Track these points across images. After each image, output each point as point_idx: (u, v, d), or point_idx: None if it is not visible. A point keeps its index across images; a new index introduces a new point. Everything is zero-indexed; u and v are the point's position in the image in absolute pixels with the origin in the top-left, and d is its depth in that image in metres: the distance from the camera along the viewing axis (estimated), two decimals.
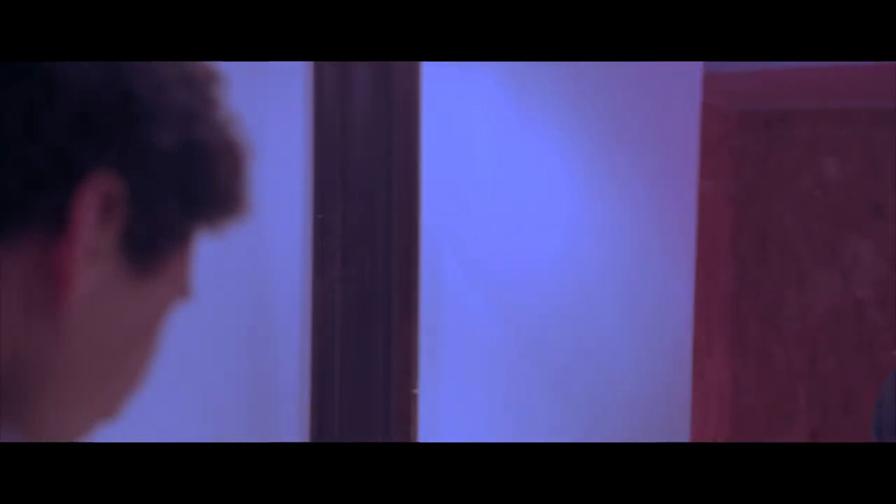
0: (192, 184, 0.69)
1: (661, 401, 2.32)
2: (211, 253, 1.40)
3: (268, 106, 1.76)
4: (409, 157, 1.78)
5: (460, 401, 2.03)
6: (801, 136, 3.38)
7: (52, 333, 0.67)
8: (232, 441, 1.76)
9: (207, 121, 0.70)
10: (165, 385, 1.60)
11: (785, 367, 3.41)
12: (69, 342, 0.67)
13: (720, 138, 3.03)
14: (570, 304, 2.21)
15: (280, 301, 1.79)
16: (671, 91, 2.43)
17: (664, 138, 2.37)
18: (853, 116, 3.40)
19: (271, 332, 1.80)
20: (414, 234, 1.78)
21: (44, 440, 0.67)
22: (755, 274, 3.41)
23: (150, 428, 1.60)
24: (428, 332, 1.99)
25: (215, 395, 1.76)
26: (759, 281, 3.42)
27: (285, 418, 1.78)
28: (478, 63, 1.99)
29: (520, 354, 2.14)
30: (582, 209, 2.25)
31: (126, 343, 0.71)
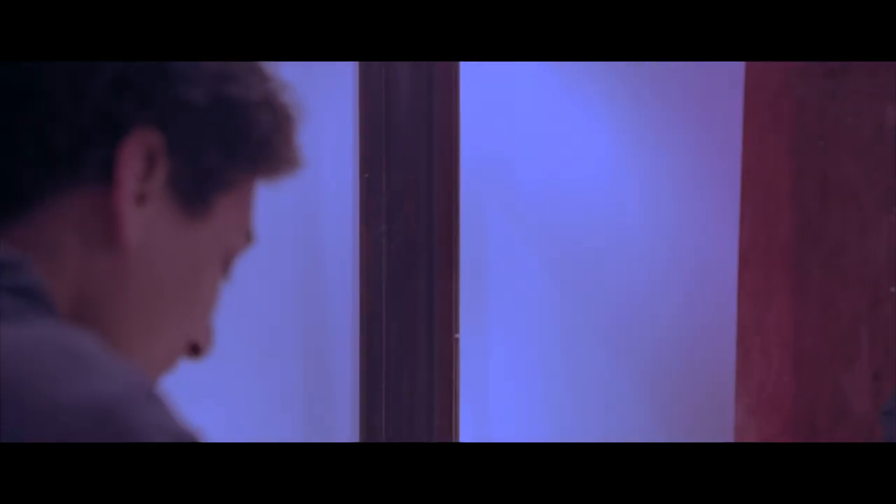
0: (230, 135, 0.77)
1: (704, 344, 2.45)
2: (271, 209, 1.59)
3: (321, 81, 1.94)
4: (449, 125, 1.93)
5: (503, 345, 2.19)
6: (861, 86, 3.44)
7: (116, 269, 0.74)
8: (288, 377, 1.95)
9: (241, 80, 0.77)
10: (227, 327, 1.79)
11: (847, 311, 3.49)
12: (132, 277, 0.75)
13: (780, 90, 3.11)
14: (614, 251, 2.35)
15: (333, 253, 1.97)
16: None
17: (708, 86, 2.47)
18: None
19: (325, 281, 1.98)
20: (454, 192, 1.94)
21: (138, 366, 0.73)
22: (817, 223, 3.48)
23: (212, 368, 1.80)
24: (473, 282, 2.15)
25: (274, 336, 1.95)
26: (820, 229, 3.49)
27: (339, 359, 1.97)
28: None
29: (563, 301, 2.29)
30: (624, 159, 2.38)
31: (188, 278, 0.79)
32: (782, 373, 3.33)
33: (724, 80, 2.47)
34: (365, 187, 1.91)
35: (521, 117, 2.22)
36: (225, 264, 0.82)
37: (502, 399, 2.21)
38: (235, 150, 0.78)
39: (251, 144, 0.78)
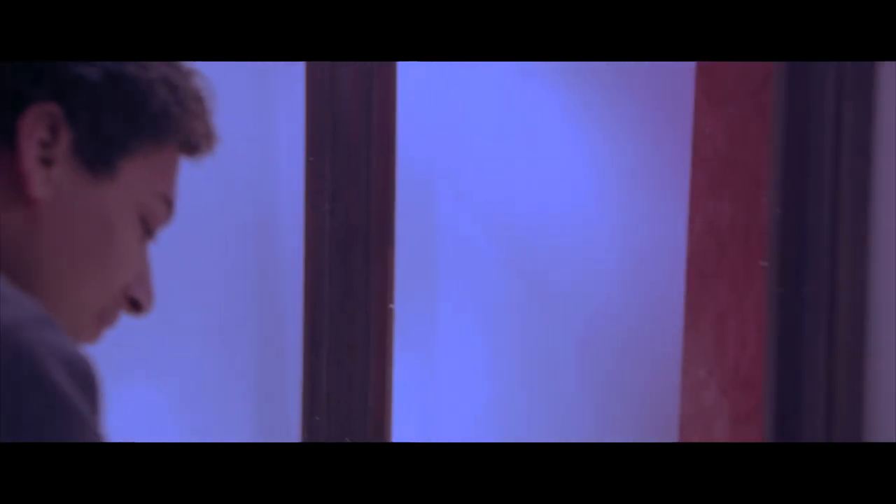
0: (128, 108, 0.87)
1: (652, 324, 2.62)
2: (228, 189, 1.82)
3: (278, 76, 2.17)
4: (386, 115, 2.14)
5: (441, 317, 2.40)
6: None
7: (29, 221, 0.84)
8: (241, 343, 2.18)
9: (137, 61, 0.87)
10: (180, 298, 2.03)
11: None
12: (45, 229, 0.84)
13: (764, 79, 3.25)
14: (563, 229, 2.53)
15: (283, 230, 2.19)
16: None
17: (661, 74, 2.59)
18: None
19: (276, 256, 2.21)
20: (390, 175, 2.15)
21: (61, 317, 0.82)
22: None
23: (167, 338, 2.03)
24: (420, 258, 2.36)
25: (229, 303, 2.18)
26: None
27: (290, 321, 2.19)
28: None
29: (510, 276, 2.49)
30: (576, 139, 2.55)
31: (99, 233, 0.88)
32: (757, 356, 3.47)
33: (677, 69, 2.58)
34: (310, 170, 2.13)
35: (463, 106, 2.41)
36: (144, 226, 0.92)
37: (447, 363, 2.41)
38: (135, 120, 0.88)
39: (149, 116, 0.88)
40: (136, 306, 0.93)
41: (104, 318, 0.93)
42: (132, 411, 2.03)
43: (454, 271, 2.41)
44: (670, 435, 2.52)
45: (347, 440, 2.13)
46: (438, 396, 2.40)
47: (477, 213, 2.44)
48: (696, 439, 2.60)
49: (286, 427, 2.18)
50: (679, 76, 2.57)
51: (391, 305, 2.14)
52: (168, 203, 0.93)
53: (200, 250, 2.12)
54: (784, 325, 1.82)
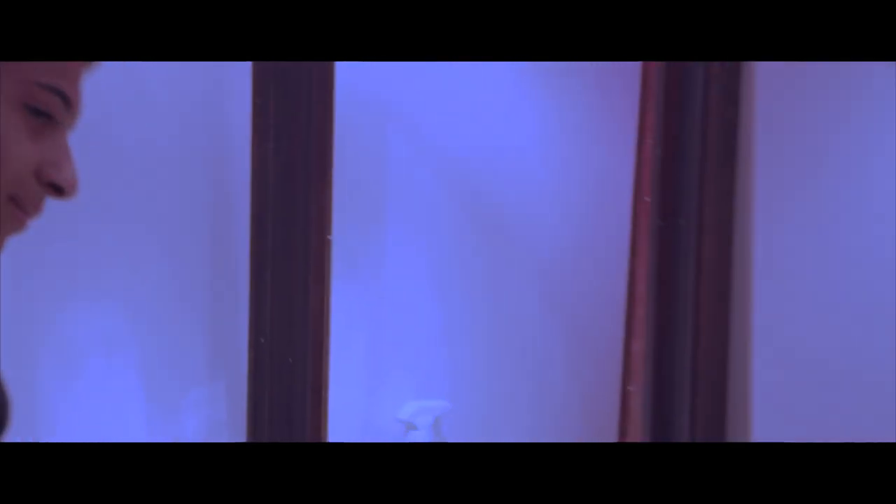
0: None
1: (593, 254, 2.75)
2: (179, 128, 1.97)
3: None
4: (326, 67, 2.30)
5: (390, 249, 2.56)
6: None
7: None
8: (192, 263, 2.37)
9: None
10: (137, 229, 2.22)
11: None
12: None
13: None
14: (509, 167, 2.67)
15: (232, 167, 2.37)
16: None
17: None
18: None
19: (225, 191, 2.39)
20: (329, 116, 2.31)
21: None
22: None
23: (125, 269, 2.22)
24: (370, 197, 2.53)
25: (184, 233, 2.37)
26: None
27: (239, 251, 2.37)
28: None
29: (457, 212, 2.64)
30: (522, 94, 2.69)
31: None
32: None
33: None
34: (256, 111, 2.30)
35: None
36: (36, 113, 0.92)
37: (395, 293, 2.58)
38: None
39: None
40: (57, 190, 0.94)
41: (20, 205, 0.94)
42: (90, 333, 2.23)
43: (403, 209, 2.57)
44: (615, 345, 2.64)
45: (290, 361, 2.31)
46: (384, 322, 2.56)
47: (427, 156, 2.60)
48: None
49: (235, 349, 2.37)
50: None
51: (329, 237, 2.31)
52: (55, 92, 0.93)
53: (158, 183, 2.30)
54: (662, 250, 1.96)
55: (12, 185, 0.91)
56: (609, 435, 2.75)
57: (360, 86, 2.45)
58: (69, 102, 0.94)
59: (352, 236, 2.44)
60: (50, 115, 0.93)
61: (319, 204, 2.31)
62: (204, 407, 2.37)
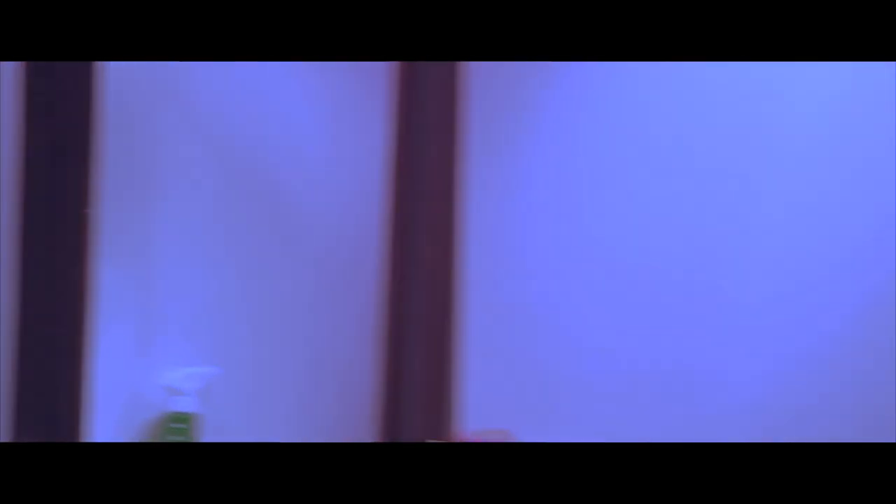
0: None
1: (353, 229, 2.86)
2: None
3: None
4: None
5: (159, 227, 2.64)
6: None
7: None
8: None
9: None
10: None
11: None
12: None
13: None
14: (278, 150, 2.76)
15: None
16: None
17: None
18: None
19: None
20: (93, 94, 2.38)
21: None
22: None
23: None
24: (141, 174, 2.60)
25: None
26: None
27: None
28: None
29: (228, 191, 2.73)
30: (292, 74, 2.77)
31: None
32: None
33: None
34: (27, 89, 2.36)
35: None
36: None
37: (164, 269, 2.66)
38: None
39: None
40: None
41: None
42: None
43: (173, 186, 2.65)
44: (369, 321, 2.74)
45: (53, 333, 2.38)
46: (152, 297, 2.64)
47: (198, 134, 2.68)
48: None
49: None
50: None
51: (86, 210, 2.40)
52: None
53: None
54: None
55: None
56: (364, 405, 2.87)
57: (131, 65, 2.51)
58: None
59: (120, 212, 2.52)
60: None
61: (82, 179, 2.38)
62: None
